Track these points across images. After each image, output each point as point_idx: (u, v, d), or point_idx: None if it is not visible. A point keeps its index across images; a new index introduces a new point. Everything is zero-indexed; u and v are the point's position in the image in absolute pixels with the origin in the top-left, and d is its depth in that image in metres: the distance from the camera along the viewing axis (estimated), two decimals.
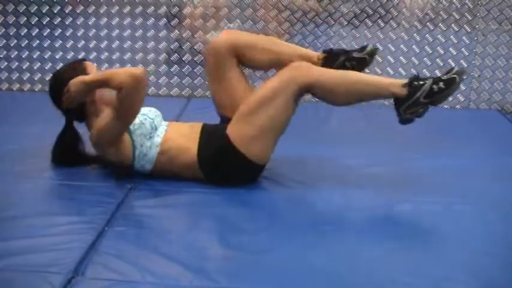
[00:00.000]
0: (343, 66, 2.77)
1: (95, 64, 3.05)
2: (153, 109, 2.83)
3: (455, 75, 2.61)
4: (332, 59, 2.79)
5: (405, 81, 2.63)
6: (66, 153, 2.84)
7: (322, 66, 2.75)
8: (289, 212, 2.53)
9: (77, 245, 2.15)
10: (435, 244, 2.27)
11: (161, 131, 2.73)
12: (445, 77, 2.61)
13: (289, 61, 2.71)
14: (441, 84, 2.59)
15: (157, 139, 2.70)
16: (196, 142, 2.69)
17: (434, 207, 2.56)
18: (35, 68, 4.32)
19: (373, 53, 2.80)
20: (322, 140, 2.80)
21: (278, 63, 2.77)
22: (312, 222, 2.41)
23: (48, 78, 4.25)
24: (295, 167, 2.89)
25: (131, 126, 2.67)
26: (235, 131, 2.64)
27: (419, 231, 2.38)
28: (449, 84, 2.60)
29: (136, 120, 2.67)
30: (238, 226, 2.37)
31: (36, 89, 4.32)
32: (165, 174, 2.72)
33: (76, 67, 2.78)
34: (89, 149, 2.84)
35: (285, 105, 2.62)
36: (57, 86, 2.75)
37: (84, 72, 2.74)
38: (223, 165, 2.67)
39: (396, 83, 2.65)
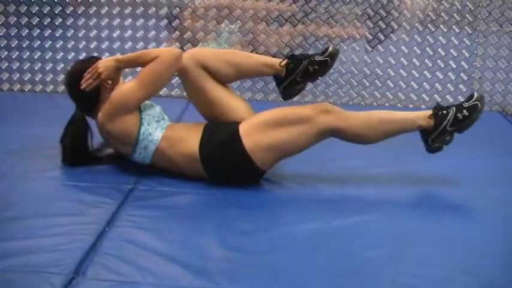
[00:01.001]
0: (306, 71, 2.78)
1: None
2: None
3: (477, 102, 2.69)
4: (295, 64, 2.80)
5: (430, 112, 2.70)
6: (77, 148, 2.85)
7: (286, 72, 2.80)
8: (289, 213, 2.53)
9: (77, 245, 2.15)
10: (435, 245, 2.27)
11: (167, 121, 2.79)
12: (466, 104, 2.69)
13: (254, 70, 2.85)
14: (465, 111, 2.67)
15: (164, 123, 2.75)
16: (199, 134, 2.70)
17: (434, 208, 2.56)
18: (36, 68, 4.32)
19: (334, 54, 2.80)
20: (323, 142, 2.79)
21: (243, 75, 2.94)
22: (312, 223, 2.41)
23: (49, 78, 4.27)
24: (295, 168, 2.88)
25: (142, 106, 2.73)
26: (248, 132, 2.64)
27: (419, 232, 2.37)
28: (473, 111, 2.68)
29: (147, 102, 2.76)
30: (238, 227, 2.37)
31: (37, 90, 4.32)
32: (164, 165, 2.72)
33: (94, 62, 2.78)
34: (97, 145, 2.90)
35: (308, 137, 2.64)
36: (76, 75, 2.78)
37: None
38: (224, 158, 2.66)
39: (421, 115, 2.72)
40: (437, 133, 2.70)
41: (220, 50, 2.90)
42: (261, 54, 4.14)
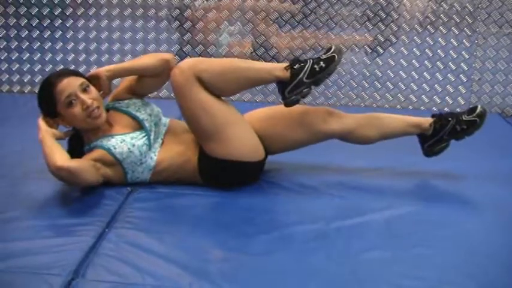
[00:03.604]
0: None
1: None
2: (153, 112, 2.78)
3: (334, 54, 2.67)
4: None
5: (286, 64, 2.67)
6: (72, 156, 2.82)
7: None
8: (288, 214, 2.53)
9: (77, 247, 2.15)
10: (435, 247, 2.27)
11: (155, 149, 2.69)
12: (324, 56, 2.67)
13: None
14: (322, 63, 2.65)
15: (151, 162, 2.66)
16: (195, 151, 2.68)
17: (433, 210, 2.56)
18: (36, 70, 4.32)
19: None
20: (323, 143, 2.80)
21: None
22: (311, 225, 2.41)
23: None
24: (294, 170, 2.89)
25: (119, 156, 2.61)
26: (211, 150, 2.63)
27: (419, 234, 2.37)
28: (329, 62, 2.65)
29: (124, 149, 2.61)
30: (237, 229, 2.37)
31: (36, 91, 4.31)
32: (164, 180, 2.71)
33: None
34: None
35: (204, 100, 2.61)
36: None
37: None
38: (223, 176, 2.68)
39: (278, 66, 2.68)
40: (293, 85, 2.65)
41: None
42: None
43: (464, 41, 4.22)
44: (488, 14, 4.17)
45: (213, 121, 2.61)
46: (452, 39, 4.22)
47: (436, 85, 4.26)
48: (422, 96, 4.27)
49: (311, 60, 2.66)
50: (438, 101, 4.26)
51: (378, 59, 4.26)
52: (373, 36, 4.25)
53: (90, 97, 2.60)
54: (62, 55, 4.31)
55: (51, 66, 4.31)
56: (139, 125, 2.71)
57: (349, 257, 2.18)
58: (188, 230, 2.37)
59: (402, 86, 4.28)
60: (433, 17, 4.21)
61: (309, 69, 2.64)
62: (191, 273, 2.03)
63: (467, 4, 4.18)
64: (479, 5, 4.17)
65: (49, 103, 2.63)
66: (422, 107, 4.28)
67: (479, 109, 2.84)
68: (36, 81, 4.33)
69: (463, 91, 4.25)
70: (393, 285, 2.00)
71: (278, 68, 2.66)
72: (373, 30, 4.23)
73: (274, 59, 4.26)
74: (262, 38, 4.27)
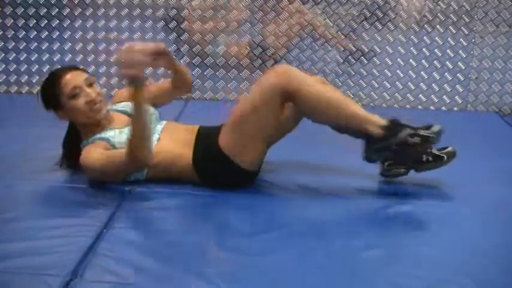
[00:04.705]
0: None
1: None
2: (149, 111, 2.79)
3: (432, 134, 2.59)
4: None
5: (384, 122, 2.59)
6: (71, 154, 2.83)
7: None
8: (286, 214, 2.53)
9: (75, 247, 2.15)
10: (433, 246, 2.27)
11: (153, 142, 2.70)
12: (422, 133, 2.59)
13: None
14: (416, 139, 2.58)
15: None
16: (191, 147, 2.69)
17: (432, 209, 2.56)
18: (33, 70, 4.32)
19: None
20: (321, 143, 2.80)
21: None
22: (310, 224, 2.42)
23: None
24: (292, 170, 2.89)
25: (118, 145, 2.64)
26: (225, 141, 2.62)
27: (417, 233, 2.38)
28: (425, 141, 2.59)
29: (123, 138, 2.61)
30: (236, 228, 2.36)
31: (34, 92, 4.33)
32: (161, 178, 2.70)
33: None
34: None
35: (268, 113, 2.59)
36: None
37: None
38: (220, 175, 2.67)
39: (374, 121, 2.60)
40: (380, 146, 2.61)
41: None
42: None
43: (461, 39, 4.22)
44: (485, 12, 4.17)
45: (253, 131, 2.59)
46: (449, 38, 4.23)
47: (433, 84, 4.27)
48: (420, 95, 4.28)
49: (408, 130, 2.58)
50: (435, 99, 4.27)
51: (375, 59, 4.26)
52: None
53: (95, 91, 2.69)
54: (59, 55, 4.31)
55: (48, 66, 4.31)
56: None
57: (348, 256, 2.17)
58: (186, 229, 2.37)
59: (399, 85, 4.28)
60: (430, 16, 4.22)
61: (402, 138, 2.57)
62: (189, 273, 2.03)
63: (464, 3, 4.19)
64: (476, 4, 4.18)
65: (53, 94, 2.69)
66: (419, 106, 4.28)
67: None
68: (33, 81, 4.33)
69: (461, 90, 4.26)
70: (392, 284, 2.00)
71: (371, 122, 2.59)
72: (370, 30, 4.23)
73: (272, 58, 4.26)
74: (259, 38, 4.27)
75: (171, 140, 2.73)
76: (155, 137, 2.72)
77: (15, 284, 1.96)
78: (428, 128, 2.64)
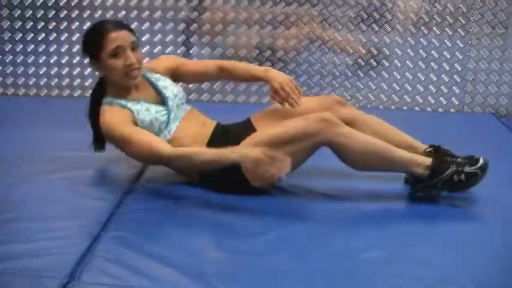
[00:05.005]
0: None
1: None
2: (179, 95, 2.80)
3: (477, 171, 2.57)
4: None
5: (427, 160, 2.59)
6: (94, 110, 2.80)
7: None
8: (284, 215, 2.52)
9: (72, 249, 2.15)
10: (432, 246, 2.27)
11: (171, 128, 2.71)
12: (467, 170, 2.56)
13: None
14: (463, 176, 2.56)
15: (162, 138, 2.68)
16: (203, 146, 2.67)
17: (429, 210, 2.57)
18: (30, 72, 4.31)
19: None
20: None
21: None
22: (309, 225, 2.42)
23: (43, 82, 4.27)
24: (291, 171, 2.88)
25: (140, 123, 2.65)
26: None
27: (416, 234, 2.38)
28: (470, 178, 2.57)
29: (147, 118, 2.66)
30: (234, 230, 2.37)
31: (31, 94, 4.33)
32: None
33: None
34: None
35: (302, 152, 2.59)
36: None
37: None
38: (225, 182, 2.63)
39: (417, 161, 2.60)
40: (426, 186, 2.61)
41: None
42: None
43: (458, 41, 4.23)
44: (481, 14, 4.18)
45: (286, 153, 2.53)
46: (446, 40, 4.23)
47: (430, 86, 4.27)
48: (417, 96, 4.28)
49: (454, 167, 2.56)
50: (432, 101, 4.27)
51: (371, 60, 4.26)
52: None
53: (136, 57, 2.67)
54: (56, 57, 4.30)
55: (45, 68, 4.30)
56: (162, 101, 2.75)
57: (347, 256, 2.18)
58: (184, 231, 2.37)
59: (396, 86, 4.28)
60: (427, 18, 4.22)
61: (448, 176, 2.55)
62: (188, 275, 2.03)
63: (460, 5, 4.19)
64: (473, 6, 4.18)
65: (95, 46, 2.66)
66: (416, 108, 4.28)
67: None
68: (30, 84, 4.32)
69: (457, 91, 4.26)
70: (391, 285, 2.01)
71: (418, 164, 2.59)
72: (367, 32, 4.23)
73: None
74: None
75: (188, 132, 2.72)
76: (174, 124, 2.72)
77: (13, 286, 1.97)
78: (472, 161, 2.60)
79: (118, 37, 2.64)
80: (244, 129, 2.72)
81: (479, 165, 2.58)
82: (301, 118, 2.60)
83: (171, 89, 2.79)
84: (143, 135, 2.59)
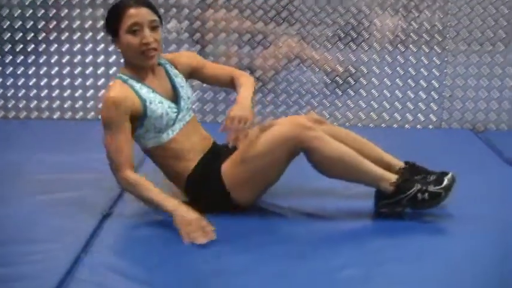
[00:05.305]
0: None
1: None
2: (191, 99, 2.78)
3: (441, 191, 2.61)
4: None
5: (394, 177, 2.63)
6: None
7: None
8: (264, 234, 2.53)
9: (53, 272, 2.14)
10: (410, 263, 2.29)
11: (176, 128, 2.68)
12: (431, 189, 2.60)
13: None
14: (426, 195, 2.59)
15: (165, 137, 2.66)
16: (196, 159, 2.68)
17: (407, 226, 2.58)
18: (9, 95, 4.30)
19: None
20: (300, 163, 2.80)
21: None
22: (290, 244, 2.43)
23: (22, 105, 4.27)
24: (271, 191, 2.89)
25: (149, 112, 2.60)
26: (229, 171, 2.61)
27: (395, 251, 2.39)
28: (434, 198, 2.60)
29: (158, 111, 2.61)
30: (213, 250, 2.36)
31: (10, 116, 4.31)
32: (156, 162, 2.72)
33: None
34: None
35: (278, 161, 2.60)
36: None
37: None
38: (208, 198, 2.66)
39: (385, 178, 2.63)
40: (391, 202, 2.64)
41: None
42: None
43: (434, 58, 4.27)
44: (457, 32, 4.23)
45: (257, 173, 2.60)
46: (422, 57, 4.27)
47: (408, 103, 4.31)
48: (395, 114, 4.31)
49: (418, 185, 2.60)
50: (410, 118, 4.31)
51: (349, 78, 4.29)
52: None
53: (154, 37, 2.60)
54: (35, 80, 4.29)
55: (35, 91, 4.29)
56: (175, 98, 2.72)
57: (326, 275, 2.19)
58: (164, 252, 2.37)
59: (375, 104, 4.31)
60: (403, 36, 4.26)
61: (412, 194, 2.60)
62: None
63: (436, 22, 4.24)
64: (448, 23, 4.23)
65: (115, 22, 2.61)
66: (395, 125, 4.32)
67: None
68: (9, 106, 4.30)
69: (435, 108, 4.30)
70: None
71: (385, 180, 2.62)
72: (345, 50, 4.27)
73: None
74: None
75: (188, 138, 2.71)
76: (179, 125, 2.69)
77: None
78: (440, 179, 2.64)
79: (136, 13, 2.57)
80: (233, 149, 2.70)
81: (443, 185, 2.62)
82: (276, 126, 2.62)
83: (186, 90, 2.76)
84: (123, 141, 2.57)
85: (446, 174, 2.66)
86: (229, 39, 4.26)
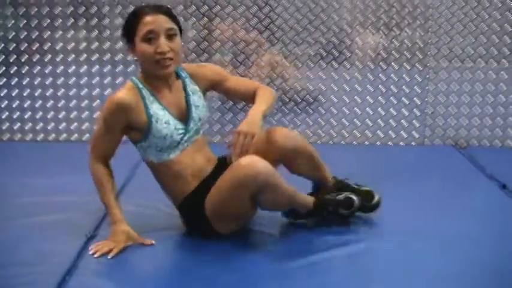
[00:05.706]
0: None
1: None
2: (202, 120, 2.69)
3: (349, 214, 2.78)
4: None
5: (311, 205, 2.75)
6: None
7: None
8: (248, 254, 2.53)
9: None
10: (396, 283, 2.29)
11: (178, 150, 2.61)
12: (341, 212, 2.76)
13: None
14: (336, 216, 2.77)
15: (165, 156, 2.60)
16: (195, 183, 2.63)
17: (392, 245, 2.58)
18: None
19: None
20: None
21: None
22: (273, 264, 2.43)
23: (5, 127, 4.26)
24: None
25: (154, 131, 2.54)
26: (210, 205, 2.56)
27: (380, 270, 2.40)
28: (343, 219, 2.78)
29: (163, 132, 2.54)
30: (197, 271, 2.35)
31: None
32: (157, 178, 2.69)
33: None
34: None
35: (241, 197, 2.52)
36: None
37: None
38: (197, 226, 2.65)
39: (310, 203, 2.75)
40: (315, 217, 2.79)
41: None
42: None
43: (416, 76, 4.31)
44: (437, 49, 4.27)
45: (232, 210, 2.57)
46: (404, 75, 4.31)
47: (390, 120, 4.33)
48: (378, 131, 4.34)
49: (330, 208, 2.76)
50: (393, 135, 4.33)
51: (332, 97, 4.32)
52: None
53: (171, 46, 2.52)
54: (18, 102, 4.29)
55: (18, 113, 4.29)
56: (185, 118, 2.63)
57: None
58: (149, 274, 2.37)
59: (358, 122, 4.34)
60: (385, 54, 4.30)
61: (323, 216, 2.77)
62: None
63: (417, 40, 4.28)
64: (429, 41, 4.27)
65: (131, 29, 2.53)
66: (378, 142, 4.34)
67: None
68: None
69: (417, 125, 4.33)
70: None
71: (304, 205, 2.74)
72: (327, 69, 4.30)
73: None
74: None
75: (191, 159, 2.65)
76: (183, 146, 2.62)
77: None
78: (348, 205, 2.77)
79: (153, 21, 2.49)
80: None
81: (351, 210, 2.76)
82: (236, 166, 2.51)
83: (200, 111, 2.66)
84: (106, 141, 2.59)
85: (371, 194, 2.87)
86: (212, 60, 4.27)
